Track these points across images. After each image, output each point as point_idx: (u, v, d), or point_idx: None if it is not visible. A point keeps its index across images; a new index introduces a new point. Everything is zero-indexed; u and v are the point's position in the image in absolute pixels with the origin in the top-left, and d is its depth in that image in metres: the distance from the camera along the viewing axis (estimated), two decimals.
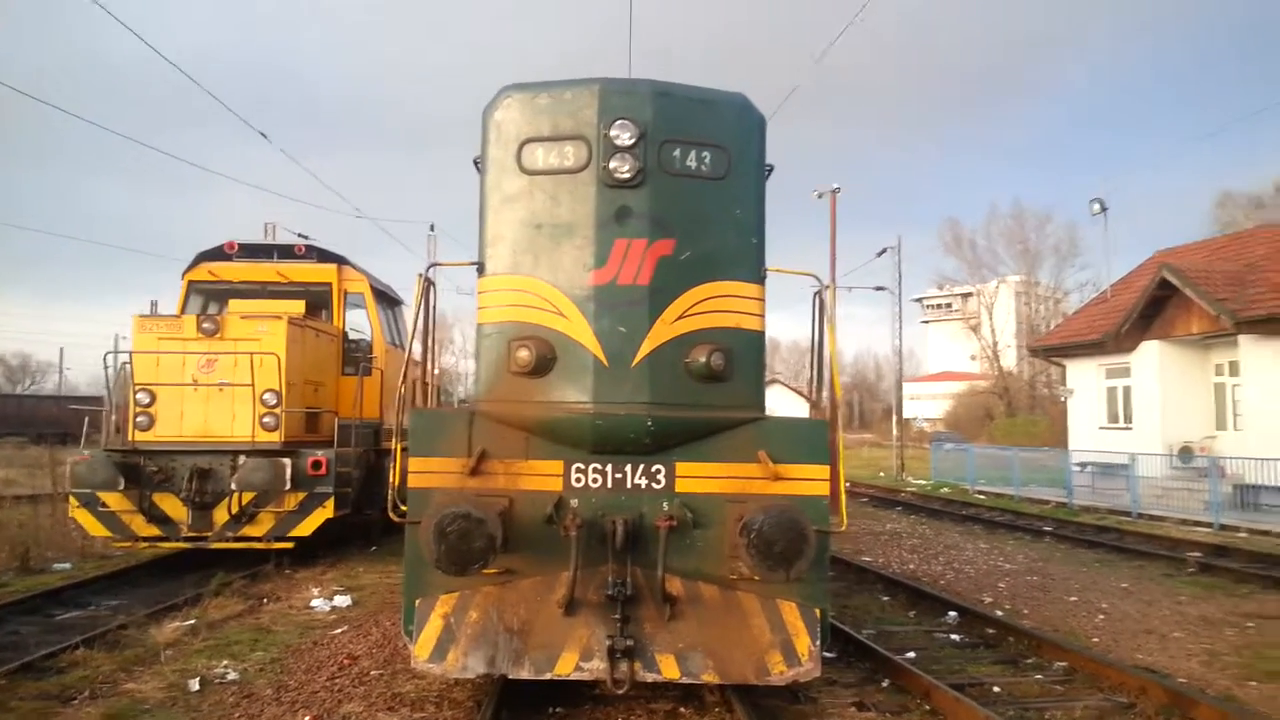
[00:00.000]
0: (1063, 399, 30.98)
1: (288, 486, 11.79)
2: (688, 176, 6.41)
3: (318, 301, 14.43)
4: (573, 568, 6.00)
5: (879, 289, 38.90)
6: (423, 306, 6.99)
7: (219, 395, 12.17)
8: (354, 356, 14.93)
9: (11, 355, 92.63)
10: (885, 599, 11.13)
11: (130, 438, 12.12)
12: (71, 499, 12.01)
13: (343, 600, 10.18)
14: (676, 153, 6.38)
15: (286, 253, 14.62)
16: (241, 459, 11.90)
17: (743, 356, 6.49)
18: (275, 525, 12.07)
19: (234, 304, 13.38)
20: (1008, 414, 61.51)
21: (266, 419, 12.16)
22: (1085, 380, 28.63)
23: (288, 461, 11.80)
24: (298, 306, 13.41)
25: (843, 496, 6.62)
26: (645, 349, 6.27)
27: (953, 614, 10.03)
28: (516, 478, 6.42)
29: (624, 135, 6.28)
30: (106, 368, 12.36)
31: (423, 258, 37.09)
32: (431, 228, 48.32)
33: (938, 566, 13.85)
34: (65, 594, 10.72)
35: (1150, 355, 25.19)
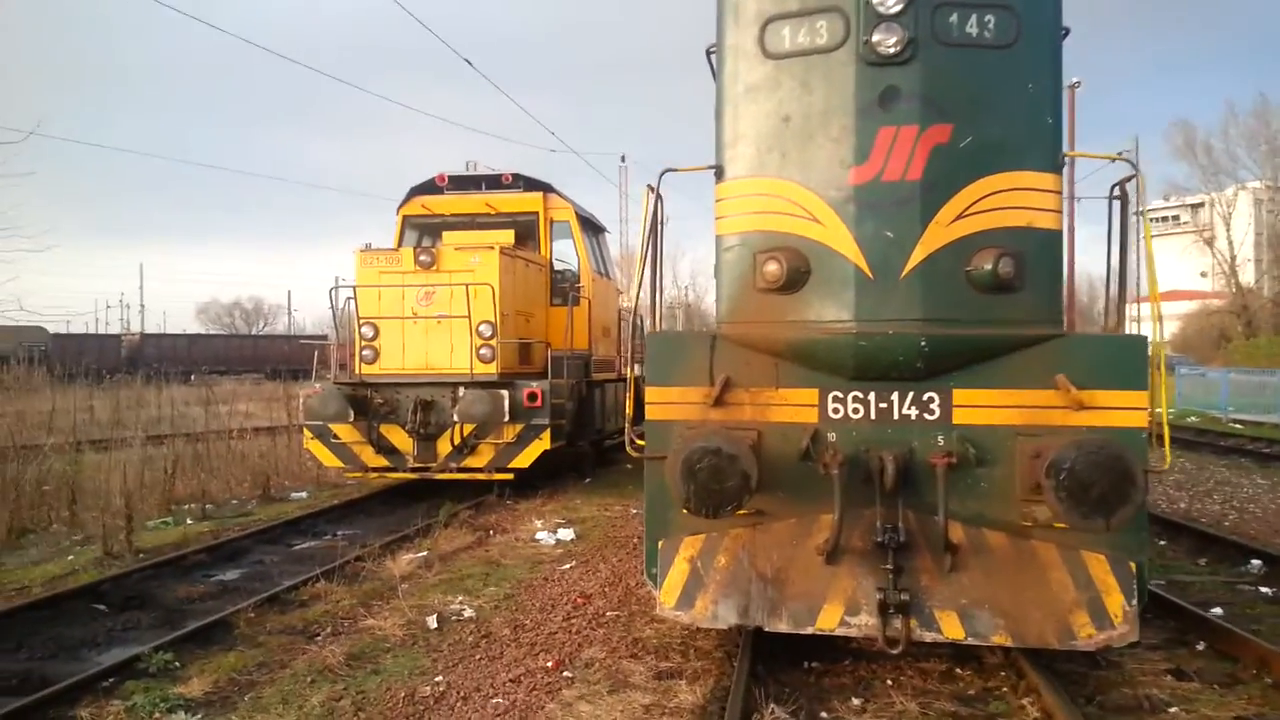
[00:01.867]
0: None
1: (506, 419, 11.64)
2: (968, 46, 5.33)
3: (525, 231, 14.16)
4: (837, 511, 5.24)
5: (1117, 193, 34.97)
6: (650, 222, 6.32)
7: (437, 327, 12.13)
8: (561, 287, 14.65)
9: (246, 300, 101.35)
10: (1162, 542, 9.75)
11: (357, 371, 12.33)
12: (306, 431, 12.39)
13: (566, 534, 9.92)
14: (954, 18, 5.31)
15: (494, 183, 14.41)
16: (461, 391, 11.86)
17: (1037, 261, 5.42)
18: (495, 456, 12.01)
19: (447, 236, 13.29)
20: (1247, 335, 55.20)
21: (483, 350, 12.03)
22: None
23: (505, 394, 11.63)
24: (507, 236, 13.16)
25: (1165, 428, 5.47)
26: (917, 257, 5.33)
27: (1256, 562, 8.59)
28: (765, 409, 5.70)
29: (889, 0, 5.27)
30: (333, 302, 12.58)
31: (616, 190, 36.75)
32: (622, 159, 48.02)
33: (1214, 505, 12.16)
34: (303, 523, 11.05)
35: None
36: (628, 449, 5.99)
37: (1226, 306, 61.85)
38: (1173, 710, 5.12)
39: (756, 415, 5.71)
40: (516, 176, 14.43)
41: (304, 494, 13.43)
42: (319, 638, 6.43)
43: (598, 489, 13.33)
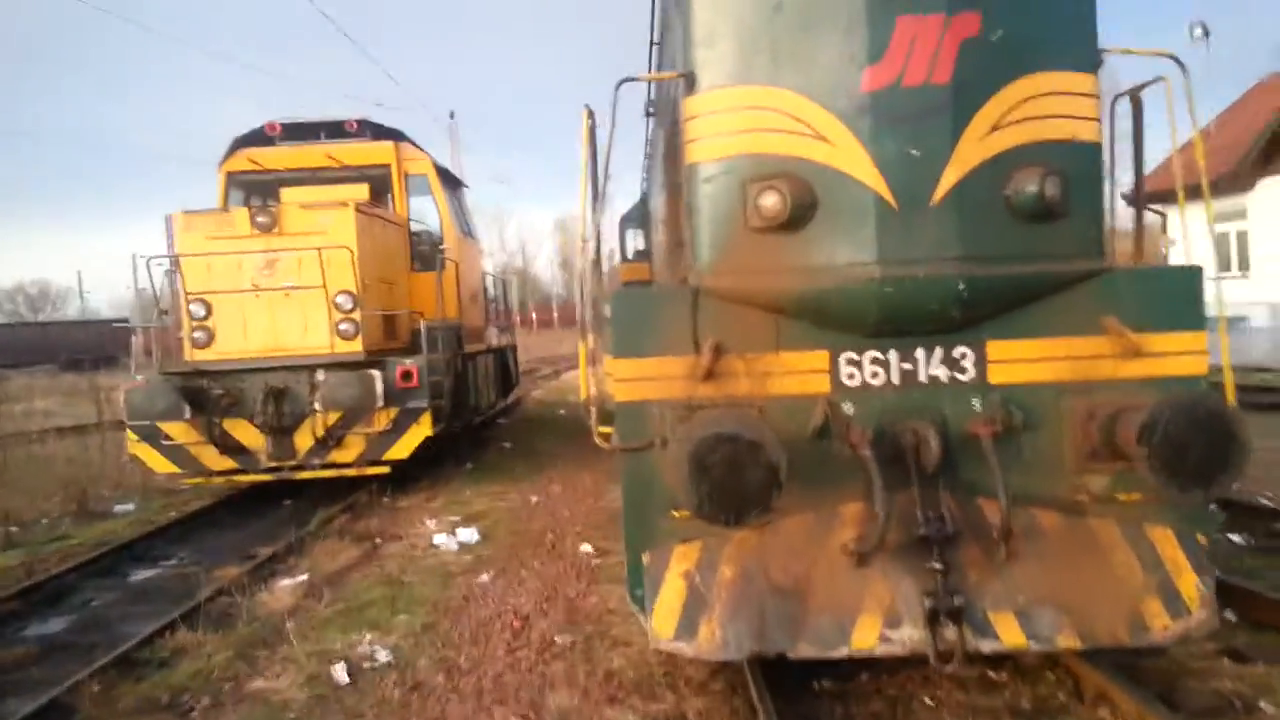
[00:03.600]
0: None
1: (380, 403, 10.05)
2: None
3: (377, 186, 12.39)
4: (879, 501, 4.19)
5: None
6: (590, 150, 5.03)
7: (285, 301, 10.33)
8: (420, 249, 13.03)
9: (30, 284, 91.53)
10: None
11: (188, 357, 10.39)
12: (129, 433, 10.35)
13: (468, 535, 8.54)
14: None
15: (336, 131, 12.55)
16: (320, 374, 10.16)
17: (1080, 181, 4.48)
18: (367, 448, 10.41)
19: (286, 193, 11.37)
20: None
21: (344, 325, 10.33)
22: None
23: (377, 374, 10.02)
24: (361, 191, 11.39)
25: (1228, 373, 4.70)
26: (950, 178, 4.28)
27: None
28: (765, 378, 4.56)
29: None
30: (148, 277, 10.52)
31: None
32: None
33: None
34: (138, 546, 9.14)
35: None
36: (596, 440, 4.72)
37: None
38: (1267, 709, 4.38)
39: (755, 388, 4.56)
40: (363, 123, 12.62)
41: (130, 506, 11.36)
42: (194, 714, 4.87)
43: (484, 475, 11.92)
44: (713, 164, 4.56)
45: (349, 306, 10.34)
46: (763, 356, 4.56)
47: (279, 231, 10.22)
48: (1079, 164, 4.47)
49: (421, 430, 10.47)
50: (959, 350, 4.55)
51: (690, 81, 4.60)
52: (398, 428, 10.42)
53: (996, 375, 4.54)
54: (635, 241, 18.76)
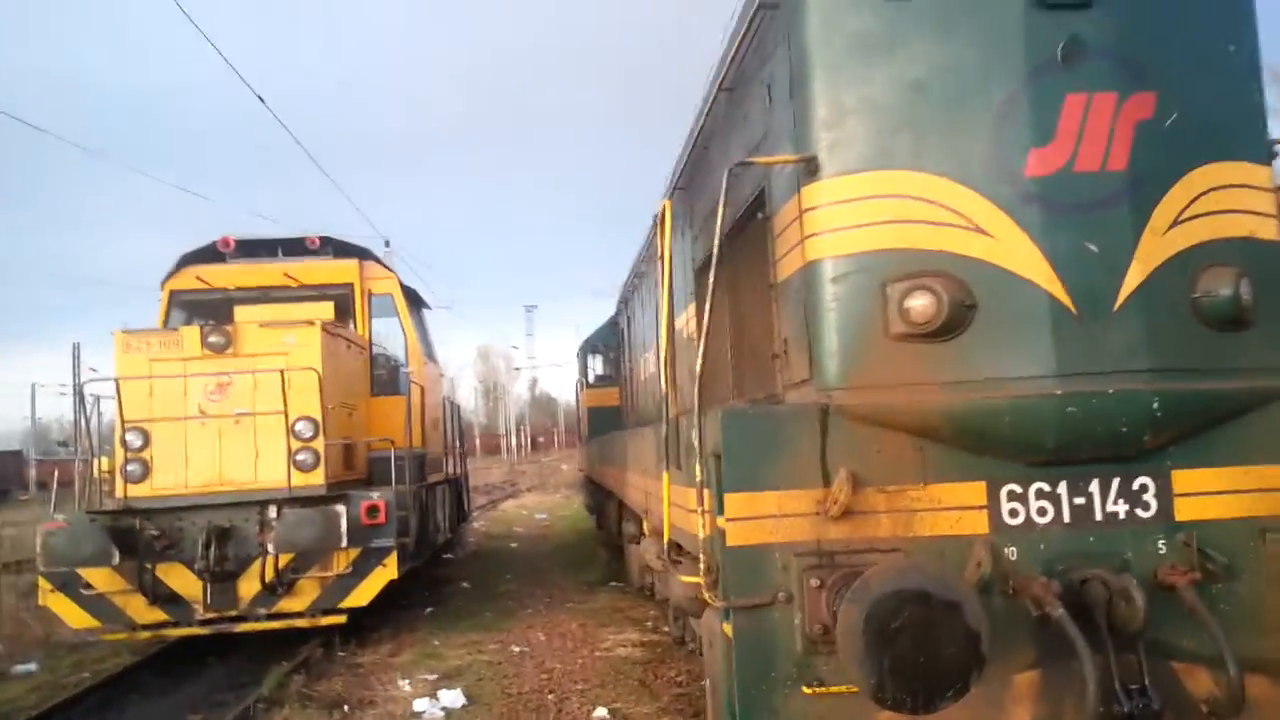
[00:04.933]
0: None
1: (344, 543, 8.83)
2: None
3: (339, 306, 11.42)
4: (1090, 672, 3.32)
5: None
6: (664, 246, 4.30)
7: (235, 429, 9.17)
8: (379, 374, 12.05)
9: None
10: None
11: (119, 493, 9.06)
12: (42, 582, 8.87)
13: (452, 698, 7.29)
14: None
15: (295, 248, 11.65)
16: (273, 511, 8.93)
17: (1267, 284, 3.88)
18: (322, 594, 9.14)
19: (242, 312, 10.31)
20: None
21: (302, 456, 9.18)
22: None
23: (342, 510, 8.84)
24: (326, 310, 10.40)
25: None
26: (1134, 278, 3.65)
27: None
28: (909, 517, 3.73)
29: None
30: (76, 405, 9.32)
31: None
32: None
33: None
34: None
35: None
36: (705, 596, 3.78)
37: None
38: None
39: (897, 528, 3.72)
40: (325, 240, 11.74)
41: (33, 666, 9.68)
42: None
43: (450, 621, 10.61)
44: (842, 260, 3.83)
45: (309, 434, 9.22)
46: (906, 490, 3.74)
47: (234, 352, 9.17)
48: (1265, 264, 3.88)
49: (386, 573, 9.25)
50: (1139, 481, 3.80)
51: (810, 168, 3.90)
52: (359, 570, 9.18)
53: (1184, 511, 3.80)
54: (596, 367, 18.10)
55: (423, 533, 11.43)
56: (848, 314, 3.81)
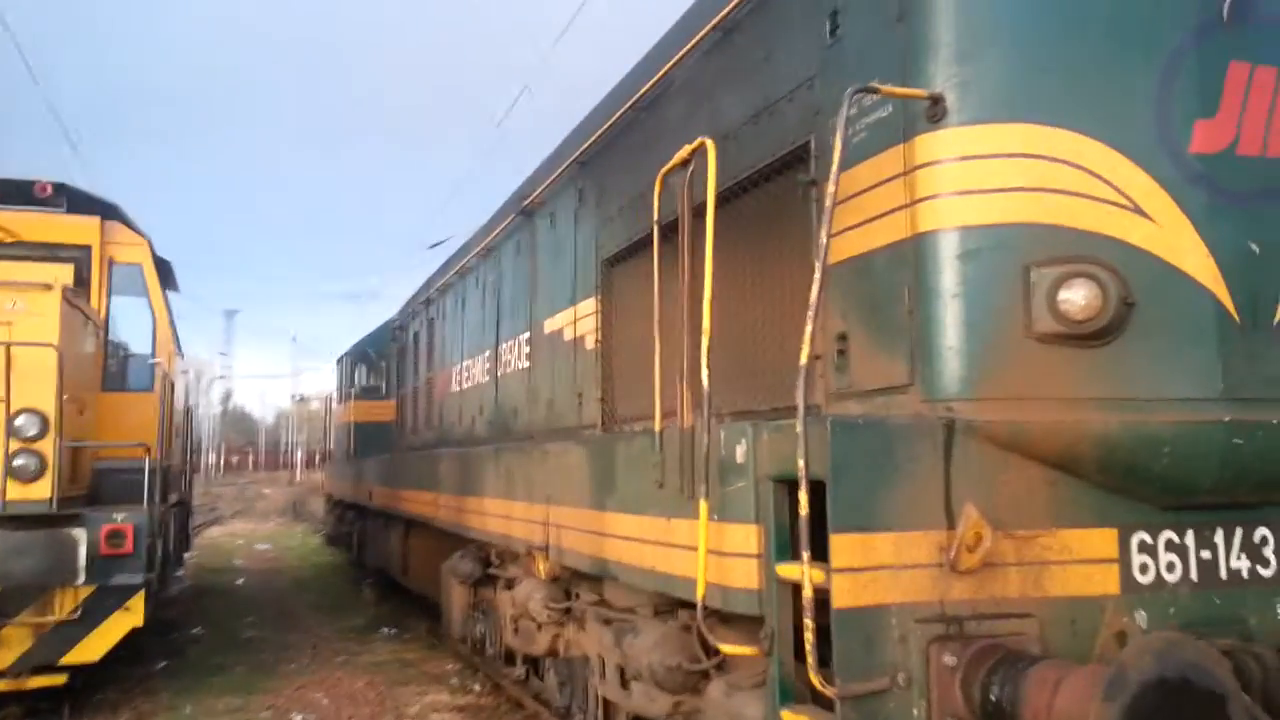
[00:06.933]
0: None
1: (80, 579, 6.71)
2: None
3: (76, 275, 9.04)
4: None
5: None
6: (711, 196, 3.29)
7: None
8: (110, 365, 9.73)
9: None
10: None
11: None
12: None
13: None
14: None
15: (20, 194, 9.13)
16: None
17: None
18: (34, 647, 6.90)
19: None
20: None
21: (22, 460, 6.92)
22: None
23: (81, 533, 6.73)
24: (66, 273, 8.08)
25: None
26: None
27: None
28: (1039, 571, 2.91)
29: None
30: None
31: None
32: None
33: None
34: None
35: None
36: (815, 681, 2.68)
37: None
38: None
39: (1026, 585, 2.88)
40: (60, 187, 9.30)
41: None
42: None
43: (192, 678, 8.54)
44: (974, 232, 2.97)
45: (32, 432, 6.99)
46: (1037, 536, 2.91)
47: None
48: None
49: (129, 618, 7.17)
50: (1259, 533, 3.22)
51: (935, 109, 3.02)
52: (91, 615, 7.04)
53: None
54: (362, 377, 16.23)
55: (163, 567, 9.23)
56: (977, 302, 2.95)
